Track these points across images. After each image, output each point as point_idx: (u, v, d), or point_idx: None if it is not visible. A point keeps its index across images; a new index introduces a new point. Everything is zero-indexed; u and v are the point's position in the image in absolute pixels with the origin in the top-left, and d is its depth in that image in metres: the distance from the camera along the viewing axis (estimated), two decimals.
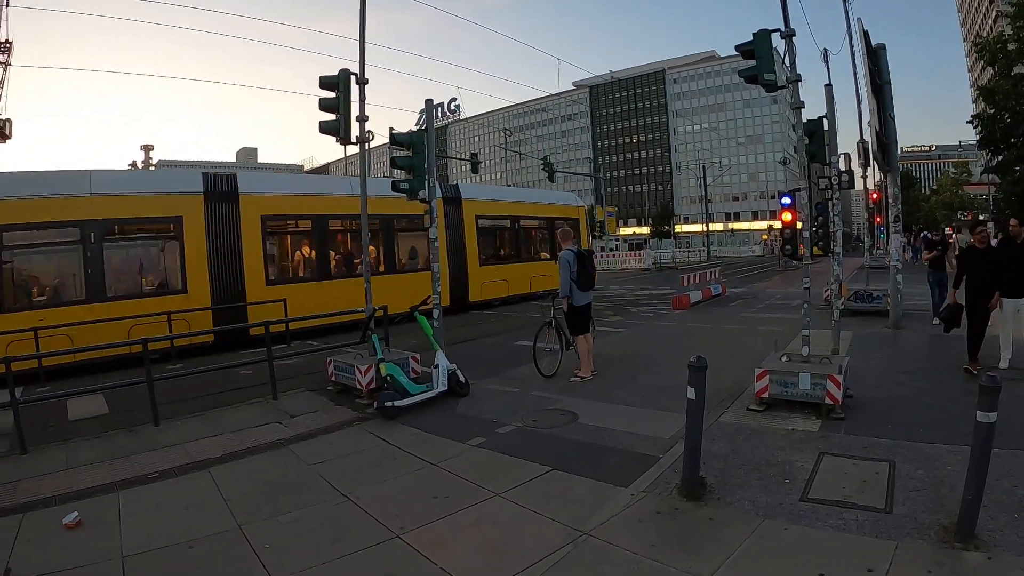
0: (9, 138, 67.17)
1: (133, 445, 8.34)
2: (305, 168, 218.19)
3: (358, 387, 10.35)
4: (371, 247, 19.43)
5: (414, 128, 16.17)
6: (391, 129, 12.21)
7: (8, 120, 65.86)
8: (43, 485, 7.09)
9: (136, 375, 9.94)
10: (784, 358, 8.75)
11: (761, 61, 8.99)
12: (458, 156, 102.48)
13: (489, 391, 10.43)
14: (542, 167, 43.08)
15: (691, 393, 5.73)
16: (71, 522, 5.95)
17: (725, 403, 8.73)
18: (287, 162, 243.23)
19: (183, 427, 9.10)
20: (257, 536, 5.51)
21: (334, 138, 11.23)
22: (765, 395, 8.36)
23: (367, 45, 11.62)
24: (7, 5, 60.16)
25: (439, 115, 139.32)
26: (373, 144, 12.43)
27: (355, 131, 11.32)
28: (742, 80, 9.61)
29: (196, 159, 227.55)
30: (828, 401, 7.97)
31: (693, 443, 5.80)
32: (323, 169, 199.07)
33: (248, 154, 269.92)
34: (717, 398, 8.67)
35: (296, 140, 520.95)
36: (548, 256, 26.37)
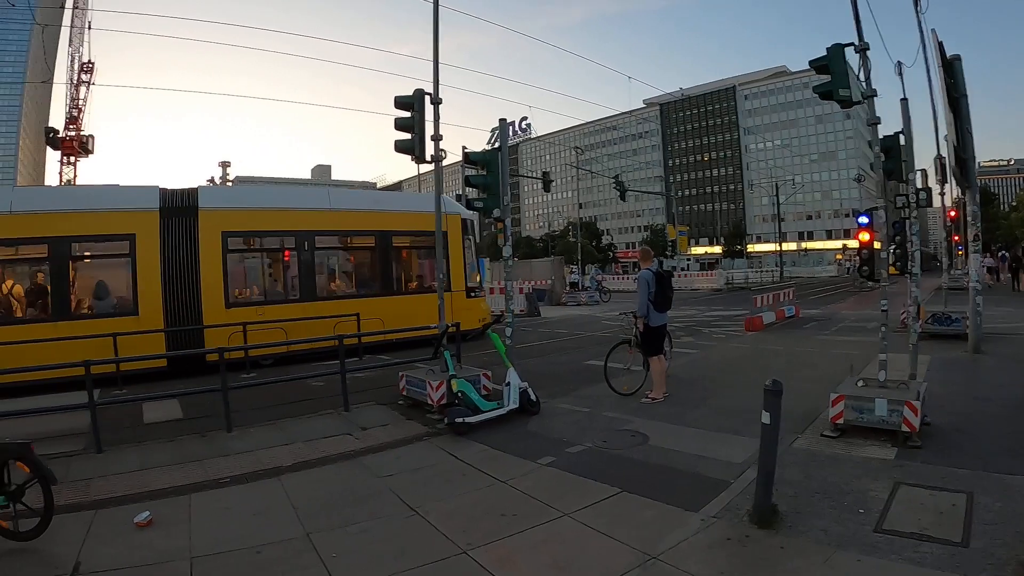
0: (92, 153, 70.34)
1: (206, 450, 8.55)
2: (378, 185, 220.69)
3: (429, 402, 10.38)
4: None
5: (486, 147, 16.19)
6: (463, 148, 12.32)
7: (91, 136, 69.18)
8: (116, 484, 7.30)
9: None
10: (860, 383, 8.49)
11: (835, 76, 8.75)
12: (530, 175, 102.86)
13: (559, 410, 10.37)
14: (614, 186, 42.71)
15: (766, 418, 5.59)
16: (143, 521, 6.12)
17: (798, 428, 8.49)
18: (361, 179, 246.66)
19: (255, 435, 9.29)
20: (324, 545, 5.56)
21: (410, 156, 11.28)
22: (840, 421, 8.11)
23: (440, 64, 11.65)
24: (89, 28, 63.03)
25: (510, 134, 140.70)
26: (445, 162, 12.48)
27: (429, 150, 11.34)
28: (814, 95, 9.40)
29: (272, 175, 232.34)
30: (905, 428, 7.68)
31: (767, 469, 5.65)
32: (396, 187, 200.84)
33: (322, 171, 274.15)
34: (790, 423, 8.44)
35: (369, 158, 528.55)
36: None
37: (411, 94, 11.26)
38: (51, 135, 69.33)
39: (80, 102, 67.23)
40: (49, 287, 15.10)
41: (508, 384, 10.03)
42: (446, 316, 14.57)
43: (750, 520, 5.65)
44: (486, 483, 7.09)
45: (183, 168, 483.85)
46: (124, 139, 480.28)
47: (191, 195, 16.80)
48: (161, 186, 16.57)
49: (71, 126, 67.15)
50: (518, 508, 6.27)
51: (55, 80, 73.30)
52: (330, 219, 18.74)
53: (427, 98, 11.24)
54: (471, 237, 21.68)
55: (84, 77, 67.12)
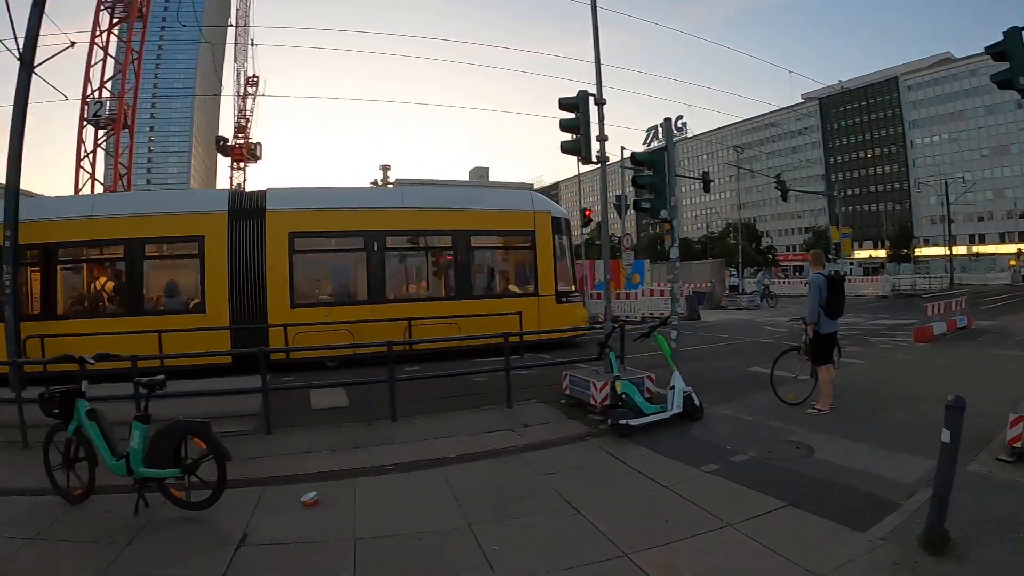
0: (260, 159, 74.99)
1: (371, 438, 8.81)
2: (535, 187, 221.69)
3: (592, 403, 10.23)
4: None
5: (643, 147, 15.87)
6: (621, 148, 12.19)
7: (258, 143, 73.75)
8: (284, 464, 7.63)
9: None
10: None
11: (1015, 62, 8.08)
12: (688, 175, 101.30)
13: (722, 417, 10.00)
14: (775, 186, 41.19)
15: (945, 436, 5.19)
16: (309, 500, 6.34)
17: (971, 450, 7.84)
18: (518, 180, 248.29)
19: (419, 426, 9.49)
20: (486, 537, 5.55)
21: (576, 158, 11.25)
22: (1018, 444, 7.44)
23: (592, 64, 11.57)
24: (252, 45, 66.93)
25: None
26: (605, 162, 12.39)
27: (595, 150, 11.28)
28: (982, 84, 8.74)
29: (430, 177, 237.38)
30: None
31: (943, 491, 5.23)
32: (552, 188, 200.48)
33: (480, 173, 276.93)
34: (963, 443, 7.92)
35: (527, 160, 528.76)
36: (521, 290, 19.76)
37: (575, 96, 11.21)
38: (222, 143, 75.57)
39: (247, 112, 72.84)
40: (125, 284, 16.51)
41: (672, 388, 9.73)
42: (535, 321, 14.60)
43: (920, 545, 5.28)
44: (648, 487, 6.90)
45: (348, 172, 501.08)
46: (291, 145, 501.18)
47: (259, 197, 17.48)
48: (231, 189, 17.16)
49: (240, 135, 72.65)
50: (680, 515, 6.06)
51: (223, 93, 78.11)
52: (402, 218, 18.43)
53: (591, 99, 11.20)
54: (566, 237, 20.41)
55: (250, 90, 72.61)
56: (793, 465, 7.62)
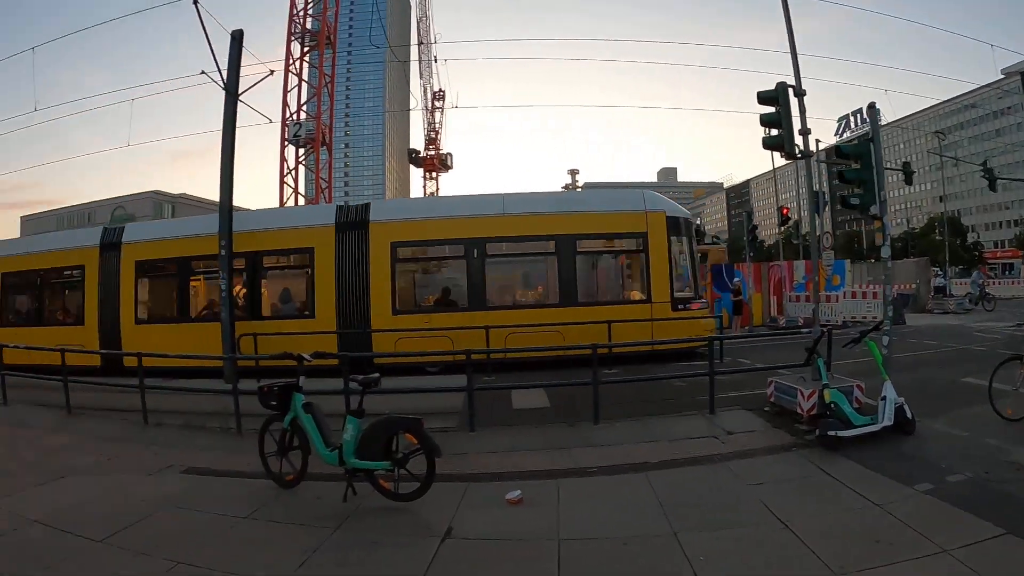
0: (451, 168, 77.90)
1: (572, 439, 8.73)
2: (724, 185, 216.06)
3: (798, 411, 9.66)
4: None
5: (835, 138, 14.98)
6: (816, 141, 11.49)
7: (449, 154, 76.45)
8: (488, 461, 7.74)
9: None
10: None
11: None
12: (887, 166, 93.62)
13: (935, 431, 9.16)
14: (981, 174, 37.48)
15: None
16: (514, 498, 6.34)
17: None
18: (708, 180, 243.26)
19: (620, 429, 9.31)
20: (691, 546, 5.32)
21: (779, 153, 10.78)
22: None
23: (782, 54, 11.01)
24: (435, 61, 69.41)
25: (858, 123, 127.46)
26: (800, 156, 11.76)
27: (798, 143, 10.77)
28: None
29: (617, 180, 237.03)
30: None
31: None
32: (743, 186, 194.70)
33: (668, 174, 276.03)
34: None
35: (715, 158, 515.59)
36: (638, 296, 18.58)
37: (773, 88, 10.74)
38: (414, 155, 78.99)
39: (436, 125, 76.17)
40: (245, 292, 17.95)
41: (884, 398, 8.95)
42: (647, 330, 14.68)
43: None
44: (858, 504, 6.40)
45: (536, 178, 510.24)
46: (481, 153, 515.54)
47: (363, 210, 18.04)
48: (339, 204, 18.31)
49: (430, 146, 75.96)
50: (893, 536, 5.59)
51: (413, 108, 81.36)
52: (502, 225, 18.01)
53: (790, 91, 10.72)
54: (686, 238, 18.72)
55: (437, 103, 75.02)
56: (1013, 488, 6.84)
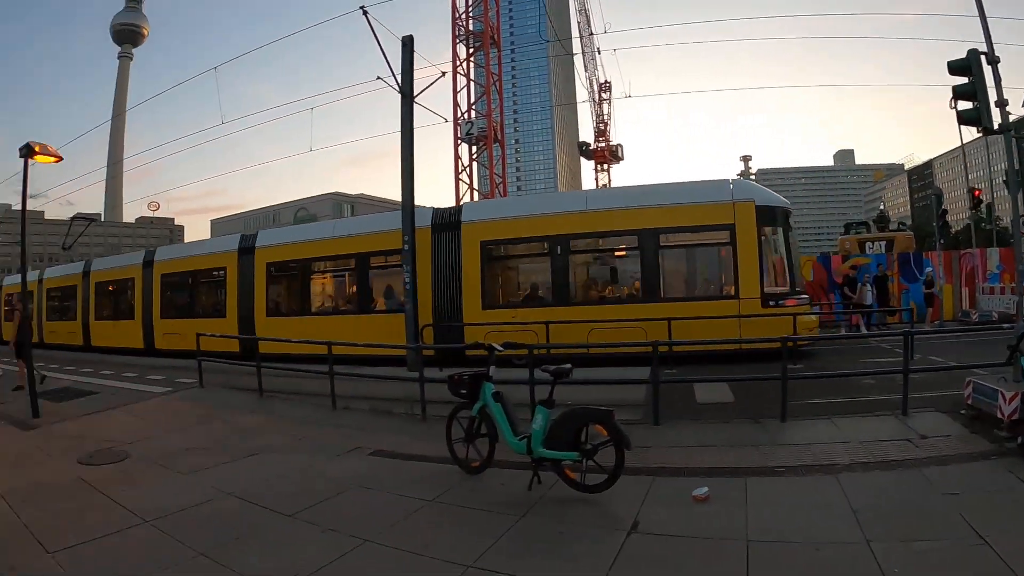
0: (621, 159, 77.40)
1: (759, 436, 8.51)
2: (905, 167, 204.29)
3: (998, 415, 8.91)
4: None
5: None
6: (1007, 113, 10.53)
7: (619, 145, 76.02)
8: (672, 456, 7.68)
9: None
10: None
11: None
12: None
13: None
14: None
15: None
16: (701, 495, 6.22)
17: None
18: (887, 161, 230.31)
19: (807, 428, 8.97)
20: (886, 558, 5.02)
21: (975, 128, 10.06)
22: None
23: (968, 18, 10.21)
24: (599, 53, 68.84)
25: None
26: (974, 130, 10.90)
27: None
28: None
29: (792, 165, 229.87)
30: None
31: None
32: (925, 166, 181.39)
33: (844, 156, 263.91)
34: None
35: (896, 138, 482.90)
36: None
37: (964, 57, 10.03)
38: (584, 148, 78.73)
39: (604, 116, 75.55)
40: (356, 289, 21.05)
41: None
42: (733, 327, 14.58)
43: None
44: None
45: (706, 166, 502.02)
46: (651, 143, 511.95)
47: (456, 211, 19.86)
48: (435, 208, 19.83)
49: (600, 138, 75.63)
50: None
51: (579, 101, 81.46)
52: (585, 221, 18.27)
53: (982, 58, 9.97)
54: (780, 229, 17.74)
55: (603, 95, 74.38)
56: None
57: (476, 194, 43.60)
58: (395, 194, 17.18)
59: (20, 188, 13.18)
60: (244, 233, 25.12)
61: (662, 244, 17.63)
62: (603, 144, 76.34)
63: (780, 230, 17.69)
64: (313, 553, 5.50)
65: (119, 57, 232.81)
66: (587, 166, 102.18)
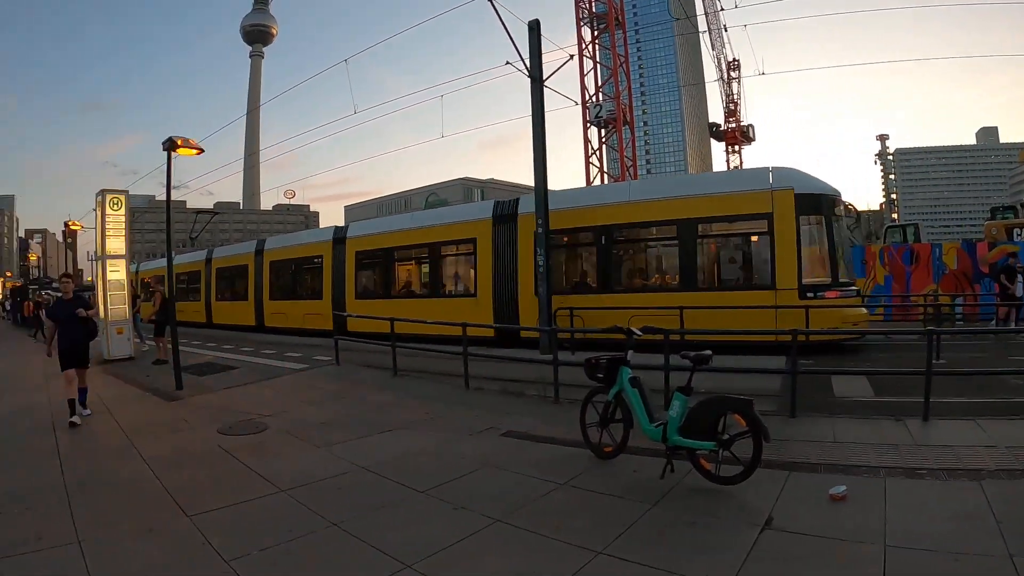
0: (753, 140, 75.35)
1: (899, 435, 8.13)
2: None
3: None
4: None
5: None
6: None
7: (750, 125, 74.07)
8: (809, 451, 7.49)
9: None
10: None
11: None
12: None
13: None
14: None
15: None
16: (838, 494, 6.04)
17: None
18: None
19: (950, 428, 8.47)
20: None
21: None
22: None
23: None
24: (725, 30, 66.78)
25: None
26: None
27: None
28: None
29: (932, 144, 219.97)
30: None
31: None
32: None
33: (987, 134, 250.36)
34: None
35: None
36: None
37: None
38: (714, 129, 77.19)
39: (734, 96, 73.46)
40: (430, 274, 23.52)
41: None
42: (770, 318, 14.91)
43: None
44: None
45: (842, 146, 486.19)
46: (785, 121, 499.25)
47: (513, 204, 21.20)
48: (496, 200, 22.21)
49: (730, 119, 73.95)
50: None
51: (707, 80, 79.67)
52: (627, 212, 18.98)
53: None
54: (823, 217, 17.08)
55: (732, 74, 72.51)
56: None
57: (606, 177, 43.68)
58: (524, 178, 17.65)
59: (164, 180, 14.21)
60: (336, 225, 28.86)
61: (700, 234, 17.98)
62: (733, 125, 74.79)
63: (822, 217, 17.18)
64: (444, 530, 5.64)
65: (251, 56, 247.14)
66: (717, 148, 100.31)
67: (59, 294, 11.31)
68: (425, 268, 24.17)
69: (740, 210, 17.31)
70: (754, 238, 17.58)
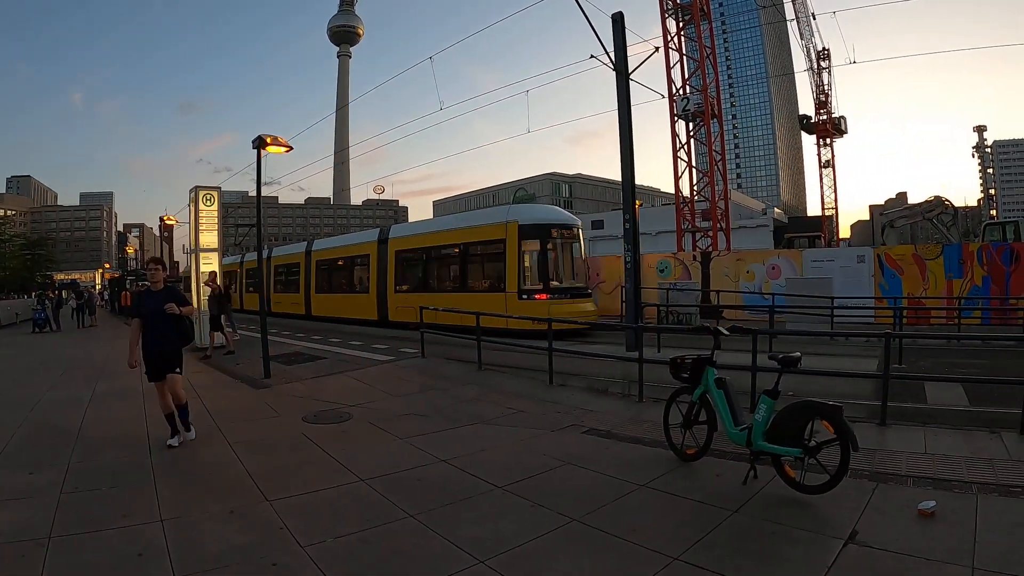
0: (845, 133, 72.98)
1: (994, 449, 7.72)
2: None
3: None
4: None
5: None
6: None
7: (842, 117, 71.78)
8: (898, 462, 7.22)
9: None
10: None
11: None
12: None
13: None
14: None
15: None
16: (927, 510, 5.79)
17: None
18: None
19: None
20: None
21: None
22: None
23: None
24: (814, 18, 64.69)
25: None
26: None
27: None
28: None
29: None
30: None
31: None
32: None
33: None
34: None
35: None
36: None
37: None
38: (804, 121, 74.85)
39: (825, 87, 70.93)
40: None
41: None
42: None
43: None
44: None
45: (938, 137, 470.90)
46: (878, 114, 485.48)
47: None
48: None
49: (821, 111, 71.39)
50: None
51: (796, 71, 77.60)
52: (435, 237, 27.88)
53: None
54: (540, 241, 23.38)
55: (822, 64, 70.15)
56: None
57: (694, 172, 43.04)
58: (611, 172, 17.57)
59: (255, 176, 14.82)
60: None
61: (471, 253, 25.61)
62: (824, 117, 71.52)
63: (539, 242, 23.50)
64: (519, 527, 5.68)
65: (338, 56, 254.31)
66: (808, 141, 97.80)
67: (146, 283, 9.45)
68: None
69: (487, 237, 24.58)
70: (494, 257, 24.22)
